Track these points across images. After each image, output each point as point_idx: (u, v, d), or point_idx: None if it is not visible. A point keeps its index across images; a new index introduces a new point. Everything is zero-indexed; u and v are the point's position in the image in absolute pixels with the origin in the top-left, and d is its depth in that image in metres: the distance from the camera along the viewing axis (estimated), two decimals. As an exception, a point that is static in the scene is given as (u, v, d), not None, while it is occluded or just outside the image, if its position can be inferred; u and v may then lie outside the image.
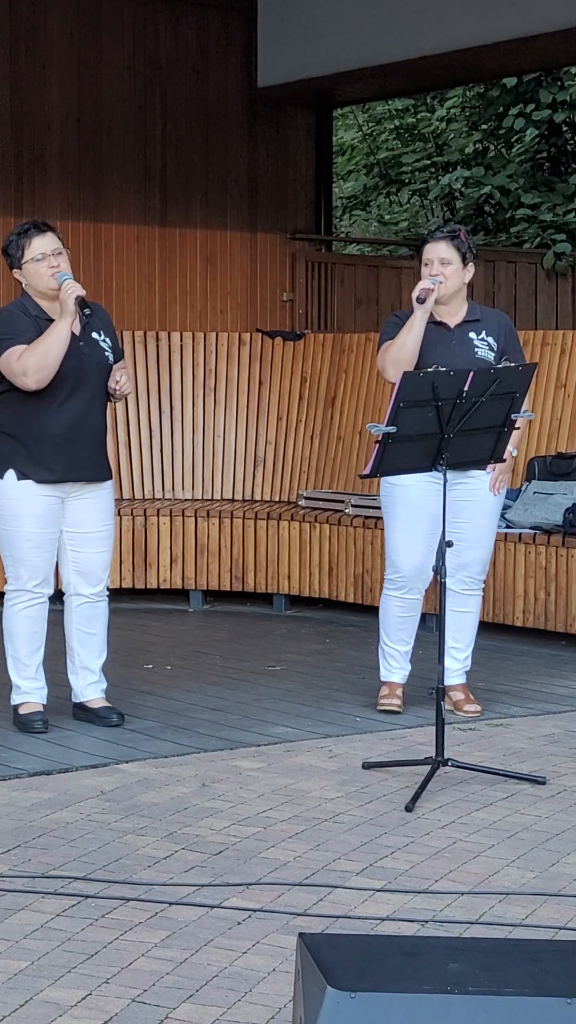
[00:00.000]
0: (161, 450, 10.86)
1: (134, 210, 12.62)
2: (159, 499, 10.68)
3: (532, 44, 11.77)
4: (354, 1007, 3.23)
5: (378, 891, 4.83)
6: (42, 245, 6.56)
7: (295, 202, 13.54)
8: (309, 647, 8.91)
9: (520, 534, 8.96)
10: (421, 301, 6.80)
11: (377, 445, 6.00)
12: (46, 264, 6.54)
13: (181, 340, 11.11)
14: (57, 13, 12.25)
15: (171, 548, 10.18)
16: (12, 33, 12.08)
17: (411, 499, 6.86)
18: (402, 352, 6.81)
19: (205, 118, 12.99)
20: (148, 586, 10.09)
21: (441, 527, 6.85)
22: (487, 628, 8.61)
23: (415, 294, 6.82)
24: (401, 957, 3.43)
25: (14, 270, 6.66)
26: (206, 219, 13.01)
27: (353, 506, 9.80)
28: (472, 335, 6.98)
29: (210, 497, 10.88)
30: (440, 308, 6.93)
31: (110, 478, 6.84)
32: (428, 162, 18.53)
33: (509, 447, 6.61)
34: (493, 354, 6.95)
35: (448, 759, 5.97)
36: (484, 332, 7.02)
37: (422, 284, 6.82)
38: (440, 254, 6.91)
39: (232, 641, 9.10)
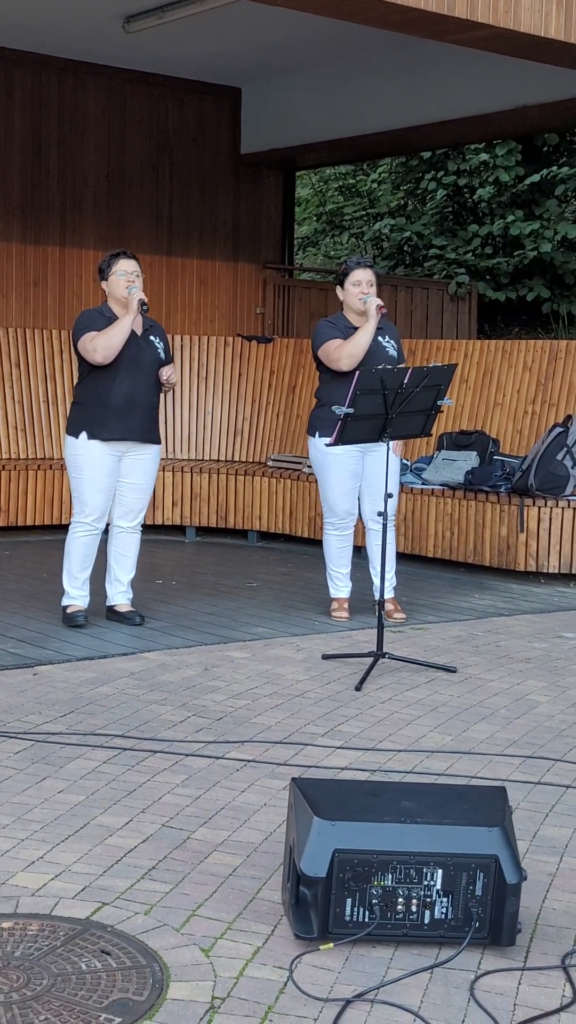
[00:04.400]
0: (166, 423, 10.80)
1: (148, 243, 12.51)
2: (164, 459, 10.62)
3: (443, 127, 11.74)
4: (334, 832, 3.26)
5: (338, 748, 4.85)
6: (125, 266, 6.57)
7: (266, 240, 13.45)
8: (276, 570, 8.90)
9: (432, 489, 8.97)
10: (384, 314, 6.82)
11: (339, 422, 6.00)
12: (125, 279, 6.53)
13: (181, 341, 11.05)
14: (93, 95, 12.12)
15: (172, 495, 10.15)
16: (60, 110, 11.96)
17: (339, 462, 6.89)
18: (356, 349, 6.79)
19: (201, 176, 12.87)
20: (155, 523, 10.04)
21: (359, 480, 6.93)
22: (407, 558, 8.65)
23: (372, 308, 6.78)
24: (367, 796, 3.46)
25: (102, 281, 6.64)
26: (201, 252, 12.91)
27: (308, 466, 9.77)
28: (380, 339, 6.96)
29: (202, 458, 10.84)
30: (358, 319, 6.93)
31: (158, 442, 6.78)
32: (363, 213, 18.43)
33: None
34: (396, 353, 6.98)
35: (385, 652, 5.99)
36: (388, 337, 7.02)
37: (378, 301, 6.79)
38: (368, 277, 6.91)
39: (219, 565, 9.08)
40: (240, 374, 11.02)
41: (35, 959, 3.14)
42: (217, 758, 4.67)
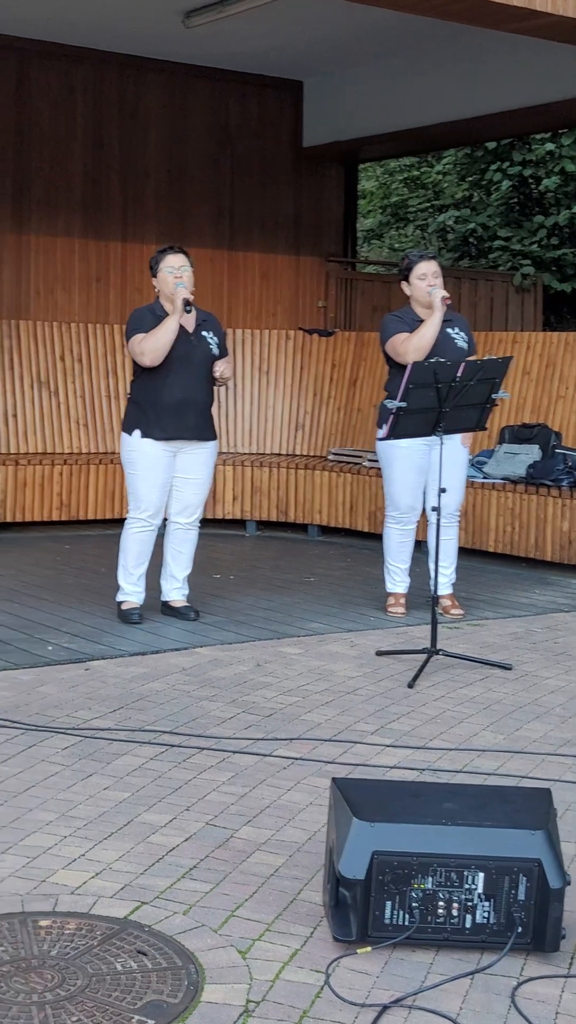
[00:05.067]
0: (227, 416, 10.78)
1: (209, 238, 12.49)
2: (225, 452, 10.60)
3: (509, 117, 11.58)
4: (373, 833, 3.21)
5: (387, 746, 4.79)
6: (172, 261, 6.52)
7: (328, 233, 13.37)
8: (335, 564, 8.84)
9: (493, 483, 8.87)
10: (449, 305, 6.74)
11: (391, 416, 5.93)
12: (172, 276, 6.48)
13: (243, 335, 11.01)
14: (155, 90, 12.10)
15: (233, 489, 10.12)
16: (121, 105, 11.96)
17: (405, 455, 6.80)
18: (422, 342, 6.70)
19: (262, 170, 12.82)
20: (216, 517, 10.03)
21: (426, 475, 6.85)
22: (468, 553, 8.55)
23: (437, 301, 6.70)
24: (408, 797, 3.40)
25: (153, 278, 6.61)
26: (262, 245, 12.86)
27: (369, 460, 9.71)
28: (449, 331, 6.88)
29: (263, 451, 10.80)
30: (426, 312, 6.84)
31: (213, 439, 6.73)
32: (428, 205, 18.29)
33: None
34: (466, 344, 6.88)
35: (440, 649, 5.92)
36: (457, 328, 6.93)
37: (443, 293, 6.72)
38: (433, 269, 6.83)
39: (278, 559, 9.04)
40: (301, 368, 10.97)
41: (71, 959, 3.11)
42: (264, 755, 4.62)
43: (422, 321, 6.82)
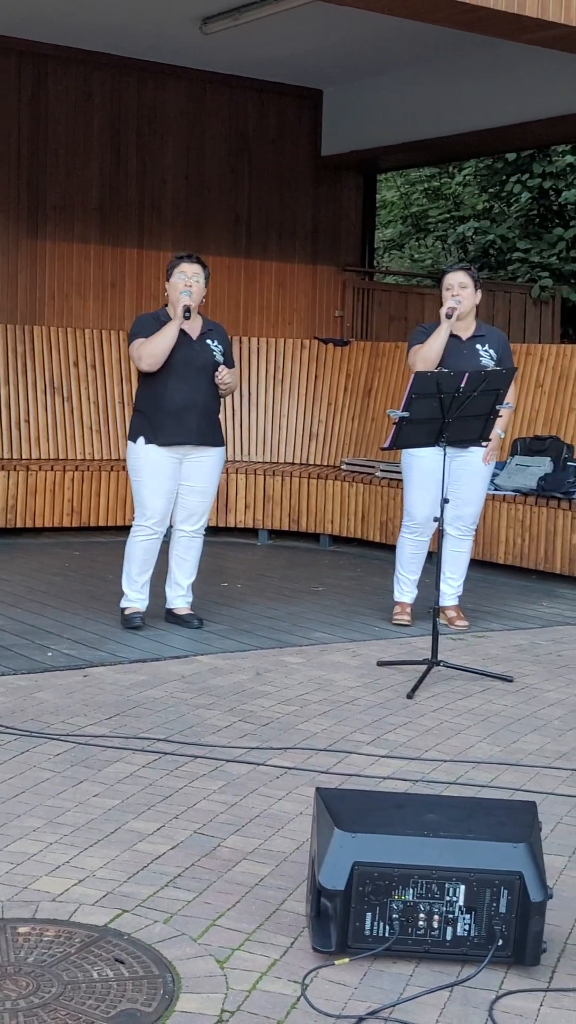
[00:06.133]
0: (241, 425, 10.79)
1: (226, 246, 12.50)
2: (238, 461, 10.61)
3: (527, 128, 11.57)
4: (354, 844, 3.19)
5: (382, 757, 4.77)
6: (187, 269, 6.56)
7: (346, 243, 13.36)
8: (344, 574, 8.82)
9: (504, 495, 8.85)
10: (449, 316, 6.70)
11: (394, 426, 5.92)
12: (182, 283, 6.50)
13: (258, 344, 11.02)
14: (172, 96, 12.12)
15: (245, 497, 10.13)
16: (139, 111, 11.98)
17: (424, 466, 6.76)
18: (430, 353, 6.69)
19: (280, 178, 12.83)
20: (227, 525, 10.04)
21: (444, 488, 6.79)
22: (477, 564, 8.49)
23: (444, 311, 6.69)
24: (392, 808, 3.38)
25: (166, 282, 6.63)
26: (279, 254, 12.87)
27: (381, 471, 9.71)
28: (478, 347, 6.85)
29: (276, 460, 10.80)
30: (456, 324, 6.80)
31: (219, 445, 6.72)
32: (448, 216, 18.30)
33: (498, 430, 6.50)
34: (492, 362, 6.83)
35: (441, 660, 5.90)
36: (487, 345, 6.89)
37: (449, 303, 6.70)
38: (459, 280, 6.79)
39: (287, 568, 9.02)
40: (316, 377, 10.97)
41: (47, 966, 3.10)
42: (258, 765, 4.61)
43: (449, 334, 6.78)
